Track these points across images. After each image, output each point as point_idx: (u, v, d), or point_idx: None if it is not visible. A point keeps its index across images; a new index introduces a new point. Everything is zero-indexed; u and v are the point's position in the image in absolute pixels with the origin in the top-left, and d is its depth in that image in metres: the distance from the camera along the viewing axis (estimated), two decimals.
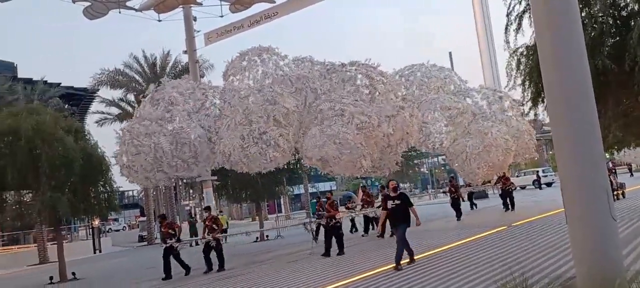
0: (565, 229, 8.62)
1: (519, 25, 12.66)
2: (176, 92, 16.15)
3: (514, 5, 12.79)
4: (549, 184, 41.16)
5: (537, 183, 41.52)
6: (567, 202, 6.25)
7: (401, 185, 52.09)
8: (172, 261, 15.00)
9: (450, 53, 70.58)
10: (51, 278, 18.42)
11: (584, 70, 6.11)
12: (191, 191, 57.16)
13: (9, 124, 17.69)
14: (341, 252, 14.41)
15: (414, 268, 10.37)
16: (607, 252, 5.94)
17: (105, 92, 38.82)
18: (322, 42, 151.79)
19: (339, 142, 14.43)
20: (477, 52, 43.83)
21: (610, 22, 11.71)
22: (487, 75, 41.85)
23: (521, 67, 13.13)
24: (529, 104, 13.58)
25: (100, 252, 36.00)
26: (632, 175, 40.77)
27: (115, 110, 38.04)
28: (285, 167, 29.30)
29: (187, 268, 15.17)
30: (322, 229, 16.14)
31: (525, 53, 12.94)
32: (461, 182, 26.49)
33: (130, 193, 62.93)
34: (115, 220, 69.62)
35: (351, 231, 21.30)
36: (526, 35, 12.62)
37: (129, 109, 35.29)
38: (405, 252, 10.73)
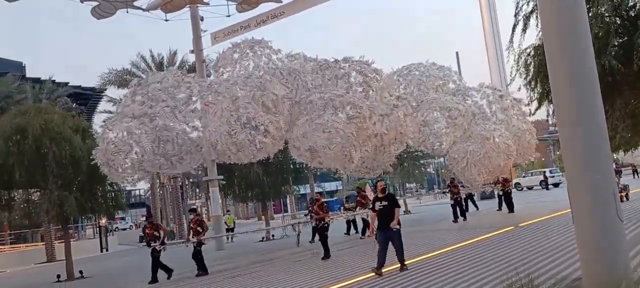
0: (571, 230, 8.58)
1: (526, 25, 12.63)
2: (160, 86, 15.29)
3: (522, 5, 12.78)
4: (556, 185, 41.01)
5: (545, 183, 41.44)
6: (574, 202, 6.22)
7: (408, 185, 51.92)
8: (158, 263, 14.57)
9: (457, 53, 70.38)
10: (58, 276, 18.55)
11: (591, 70, 6.08)
12: (198, 190, 57.30)
13: (17, 123, 17.83)
14: (327, 255, 13.99)
15: (419, 269, 10.36)
16: (613, 253, 5.90)
17: (113, 92, 39.07)
18: (326, 43, 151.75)
19: (328, 131, 13.79)
20: (484, 52, 43.81)
21: (618, 22, 11.66)
22: (494, 75, 41.77)
23: (528, 67, 13.11)
24: (536, 104, 13.55)
25: (107, 250, 36.22)
26: (636, 176, 40.40)
27: None
28: (291, 166, 29.34)
29: (169, 272, 14.70)
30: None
31: (532, 53, 12.91)
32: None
33: (137, 192, 63.19)
34: (122, 219, 70.00)
35: (348, 232, 21.27)
36: (533, 35, 12.58)
37: None
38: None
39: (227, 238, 27.51)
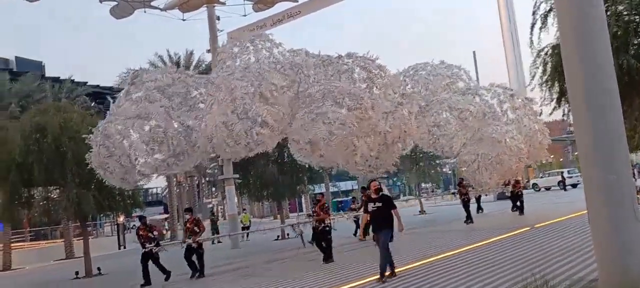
0: (588, 231, 8.50)
1: (544, 23, 12.48)
2: (155, 85, 14.80)
3: (540, 4, 12.63)
4: (574, 185, 40.47)
5: (562, 184, 41.00)
6: (591, 204, 6.16)
7: (423, 185, 51.64)
8: (152, 266, 14.42)
9: (474, 52, 70.19)
10: (77, 273, 18.81)
11: (609, 69, 6.01)
12: (214, 189, 57.73)
13: (37, 121, 18.13)
14: (329, 258, 13.62)
15: (434, 269, 10.32)
16: (630, 255, 5.82)
17: None
18: (339, 41, 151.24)
19: (328, 122, 13.10)
20: (503, 52, 43.47)
21: (637, 21, 11.48)
22: (511, 75, 41.43)
23: (546, 67, 12.96)
24: (554, 103, 13.39)
25: (124, 248, 36.59)
26: None
27: None
28: (306, 165, 29.34)
29: (167, 273, 14.50)
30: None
31: (550, 52, 12.76)
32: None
33: (154, 190, 63.82)
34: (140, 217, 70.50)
35: (355, 233, 21.18)
36: (551, 34, 12.43)
37: None
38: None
39: (243, 237, 27.69)
